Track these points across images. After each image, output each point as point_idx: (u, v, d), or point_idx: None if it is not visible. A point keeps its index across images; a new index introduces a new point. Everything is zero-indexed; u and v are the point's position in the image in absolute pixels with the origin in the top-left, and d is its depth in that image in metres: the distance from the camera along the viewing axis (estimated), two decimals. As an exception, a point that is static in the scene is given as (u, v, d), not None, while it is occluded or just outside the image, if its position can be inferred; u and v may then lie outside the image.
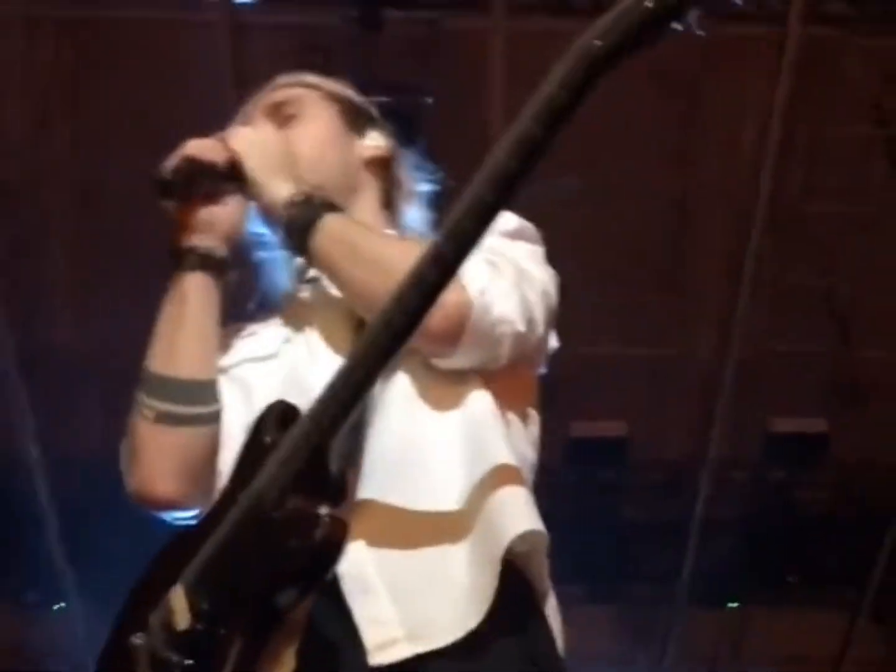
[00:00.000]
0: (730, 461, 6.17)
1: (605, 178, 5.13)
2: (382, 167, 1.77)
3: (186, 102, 5.69)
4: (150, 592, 1.43)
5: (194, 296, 1.57)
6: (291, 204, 1.53)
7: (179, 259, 1.58)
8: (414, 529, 1.37)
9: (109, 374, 6.31)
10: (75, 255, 6.11)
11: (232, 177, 1.58)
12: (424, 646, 1.31)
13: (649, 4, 1.14)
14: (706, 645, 6.64)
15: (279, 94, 1.75)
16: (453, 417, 1.46)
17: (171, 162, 1.56)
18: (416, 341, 1.35)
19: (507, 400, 1.52)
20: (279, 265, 1.73)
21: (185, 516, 1.60)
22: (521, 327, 1.48)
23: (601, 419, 5.74)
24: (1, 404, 6.05)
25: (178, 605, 1.35)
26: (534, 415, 1.61)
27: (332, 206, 1.54)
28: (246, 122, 1.72)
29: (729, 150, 5.10)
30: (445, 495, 1.40)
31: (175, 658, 1.33)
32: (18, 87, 5.76)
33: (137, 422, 1.56)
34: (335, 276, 1.53)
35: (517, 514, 1.36)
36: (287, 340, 1.61)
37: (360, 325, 1.51)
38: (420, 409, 1.47)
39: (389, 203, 1.78)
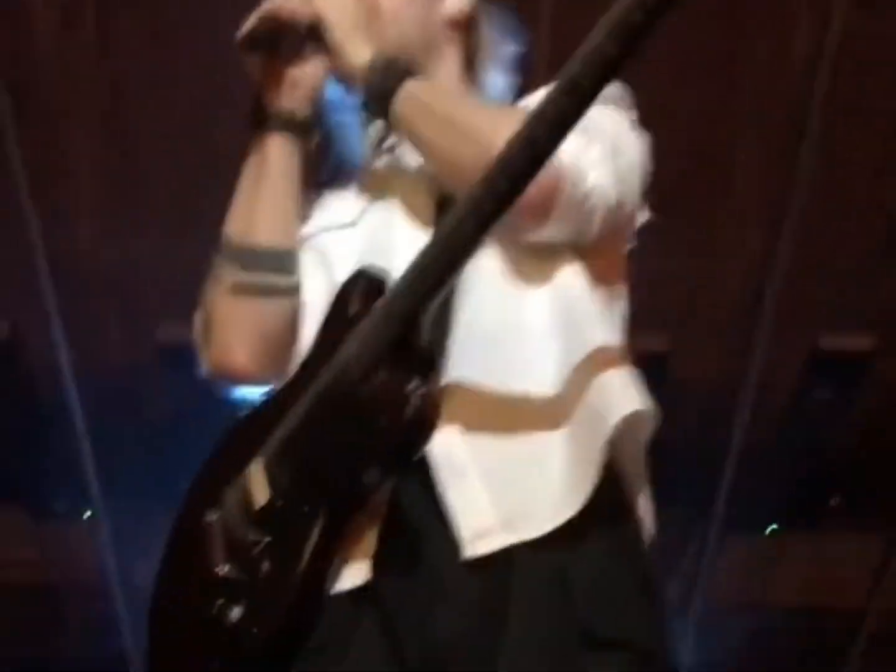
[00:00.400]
0: (770, 382, 6.03)
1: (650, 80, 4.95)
2: (465, 27, 1.70)
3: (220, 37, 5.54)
4: (222, 469, 1.41)
5: (276, 159, 1.53)
6: (372, 68, 1.48)
7: (261, 119, 1.55)
8: (509, 413, 1.32)
9: (130, 287, 6.34)
10: (100, 162, 6.04)
11: (314, 36, 1.54)
12: (519, 536, 1.26)
13: None
14: (741, 571, 6.54)
15: None
16: (546, 295, 1.42)
17: (254, 18, 1.51)
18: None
19: (597, 275, 1.47)
20: (356, 130, 1.68)
21: (260, 390, 1.56)
22: (614, 199, 1.44)
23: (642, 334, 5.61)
24: (32, 309, 6.00)
25: (257, 480, 1.32)
26: (623, 290, 1.56)
27: (415, 70, 1.50)
28: None
29: (780, 45, 4.90)
30: (542, 378, 1.35)
31: (253, 535, 1.30)
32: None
33: (213, 291, 1.53)
34: (419, 145, 1.48)
35: (620, 395, 1.31)
36: (365, 210, 1.56)
37: (440, 196, 1.48)
38: (511, 287, 1.43)
39: (472, 65, 1.72)
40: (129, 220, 5.99)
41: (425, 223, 1.47)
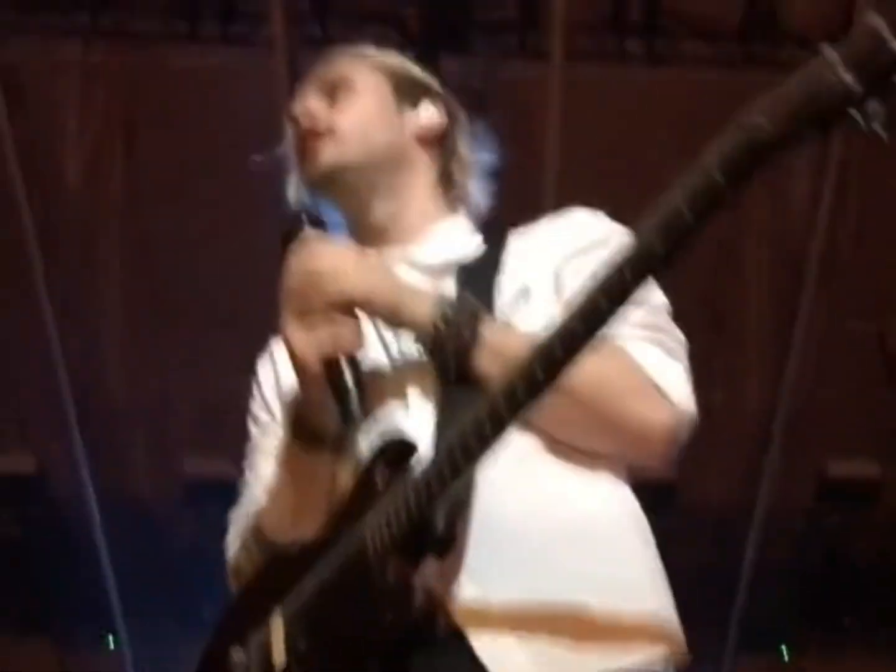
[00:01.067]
0: (781, 507, 6.12)
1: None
2: (437, 140, 1.66)
3: (242, 151, 5.73)
4: (250, 606, 1.42)
5: (318, 474, 1.45)
6: (442, 321, 1.36)
7: (305, 434, 1.44)
8: (550, 621, 1.31)
9: (158, 423, 6.44)
10: (128, 304, 6.20)
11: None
12: None
13: (847, 78, 0.95)
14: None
15: (329, 69, 1.67)
16: (576, 508, 1.40)
17: (314, 357, 1.39)
18: (620, 449, 1.37)
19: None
20: None
21: None
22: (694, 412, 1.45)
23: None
24: (61, 445, 6.12)
25: (276, 638, 1.34)
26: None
27: (482, 320, 1.38)
28: (301, 100, 1.65)
29: (780, 197, 5.10)
30: (572, 589, 1.34)
31: None
32: (74, 135, 5.86)
33: (245, 561, 1.53)
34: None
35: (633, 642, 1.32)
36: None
37: None
38: (542, 494, 1.39)
39: (448, 178, 1.67)
40: (157, 356, 6.22)
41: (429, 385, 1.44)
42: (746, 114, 1.02)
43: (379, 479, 1.34)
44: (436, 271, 1.54)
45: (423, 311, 1.37)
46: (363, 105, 1.63)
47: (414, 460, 1.32)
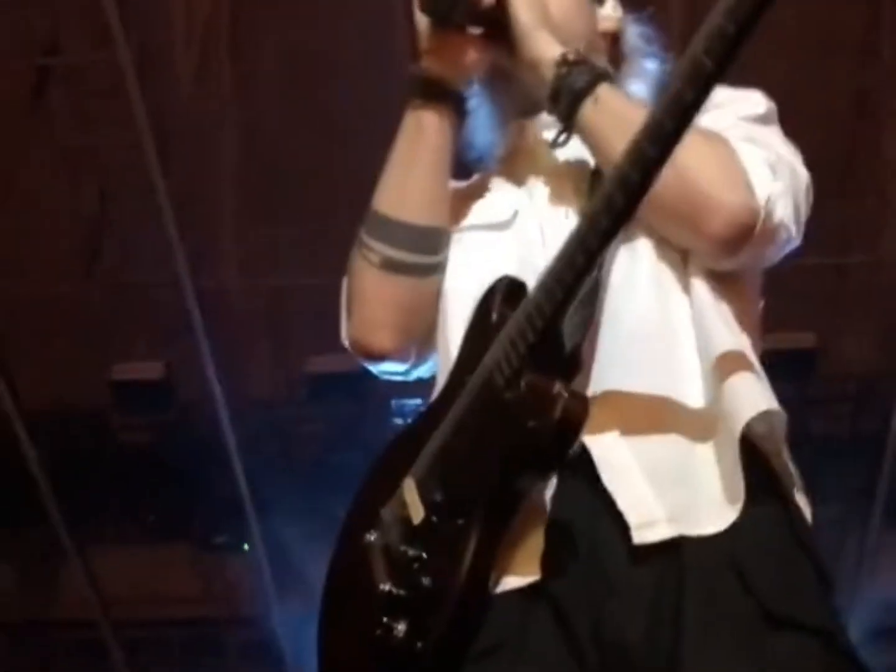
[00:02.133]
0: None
1: (787, 76, 4.96)
2: (612, 40, 1.68)
3: (351, 38, 5.73)
4: (379, 489, 1.42)
5: (433, 131, 1.49)
6: (564, 62, 1.42)
7: (423, 87, 1.50)
8: (660, 417, 1.33)
9: (276, 321, 6.48)
10: (242, 198, 6.21)
11: (495, 18, 1.47)
12: (686, 529, 1.27)
13: None
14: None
15: None
16: (682, 302, 1.42)
17: None
18: (697, 244, 1.37)
19: (737, 288, 1.47)
20: (486, 129, 1.65)
21: (396, 370, 1.57)
22: (795, 232, 1.45)
23: (789, 331, 5.59)
24: (186, 346, 6.16)
25: (411, 498, 1.34)
26: (757, 304, 1.56)
27: (609, 75, 1.45)
28: None
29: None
30: (684, 382, 1.36)
31: (412, 552, 1.32)
32: (181, 34, 5.85)
33: (360, 265, 1.51)
34: (605, 152, 1.41)
35: (749, 397, 1.32)
36: (517, 211, 1.53)
37: (591, 190, 1.46)
38: (657, 294, 1.42)
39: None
40: (274, 257, 6.20)
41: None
42: None
43: (494, 315, 1.36)
44: None
45: (550, 50, 1.43)
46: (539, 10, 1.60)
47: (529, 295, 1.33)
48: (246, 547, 6.66)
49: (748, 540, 1.28)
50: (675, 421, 1.33)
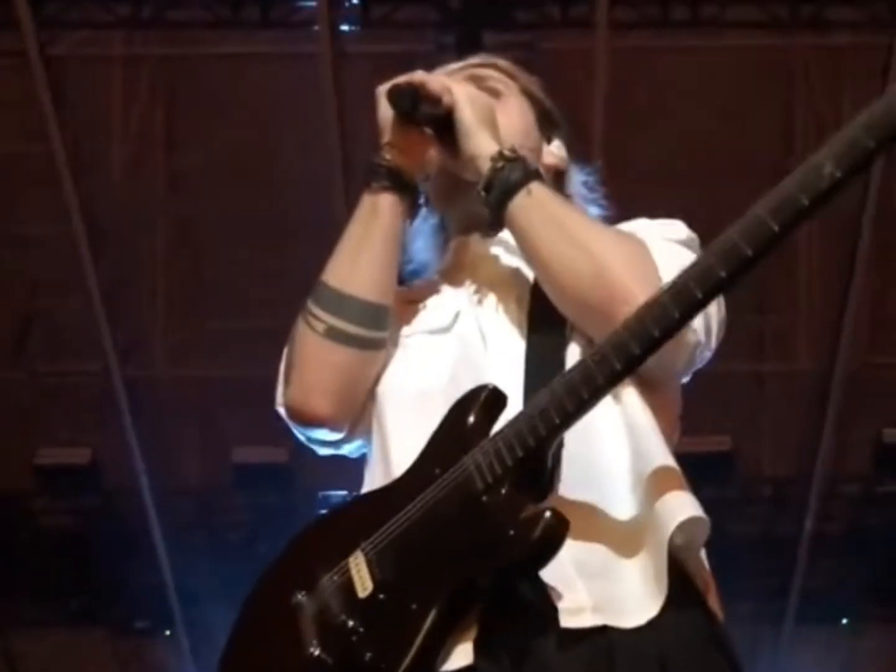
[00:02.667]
0: (839, 475, 6.09)
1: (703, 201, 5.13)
2: (555, 177, 1.71)
3: (284, 136, 5.81)
4: (316, 553, 1.43)
5: (388, 215, 1.54)
6: (501, 157, 1.48)
7: (383, 173, 1.55)
8: (593, 524, 1.37)
9: (205, 411, 6.49)
10: (173, 290, 6.23)
11: (446, 118, 1.54)
12: (610, 620, 1.31)
13: None
14: (817, 664, 6.53)
15: (480, 71, 1.70)
16: (616, 413, 1.45)
17: (405, 77, 1.54)
18: (594, 292, 1.41)
19: (660, 407, 1.51)
20: (428, 240, 1.71)
21: (329, 438, 1.58)
22: (703, 338, 1.48)
23: (706, 434, 5.71)
24: (113, 439, 6.16)
25: (360, 572, 1.35)
26: (677, 422, 1.60)
27: (540, 175, 1.50)
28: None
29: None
30: (621, 497, 1.40)
31: (353, 623, 1.33)
32: (118, 129, 5.90)
33: (304, 332, 1.54)
34: (532, 246, 1.47)
35: (677, 505, 1.37)
36: (458, 313, 1.58)
37: (531, 305, 1.52)
38: (598, 424, 1.43)
39: None
40: (203, 348, 6.23)
41: (516, 336, 1.51)
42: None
43: (471, 418, 1.38)
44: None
45: (489, 146, 1.50)
46: (520, 117, 1.67)
47: (505, 412, 1.37)
48: (168, 633, 6.63)
49: (671, 636, 1.33)
50: (604, 526, 1.38)
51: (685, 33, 5.04)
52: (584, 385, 1.28)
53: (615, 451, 1.43)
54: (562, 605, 1.31)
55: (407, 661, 1.28)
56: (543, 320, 1.50)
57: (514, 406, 1.38)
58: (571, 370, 1.32)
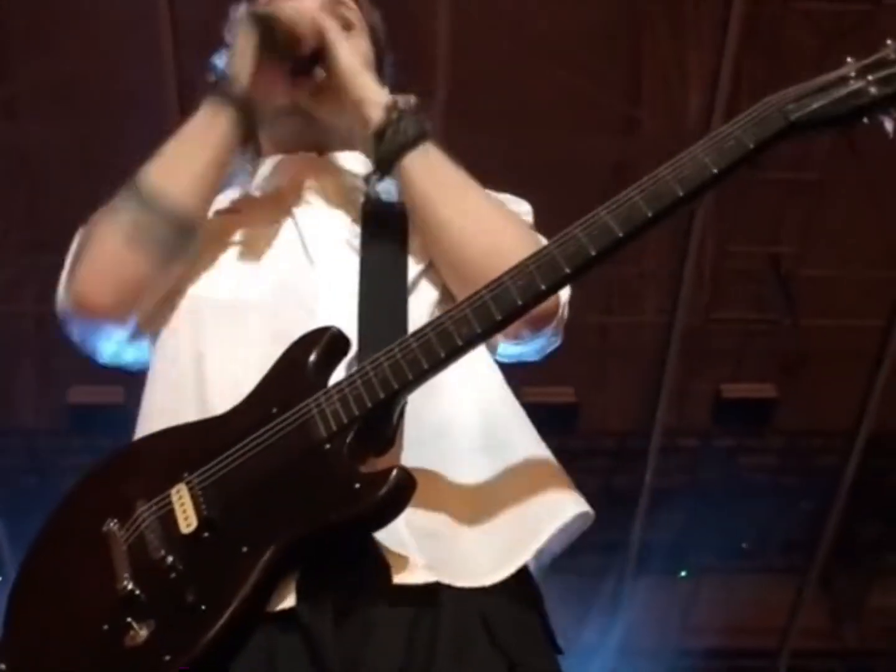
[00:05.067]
0: (678, 428, 6.14)
1: (547, 147, 5.06)
2: None
3: (122, 60, 5.58)
4: (130, 477, 1.34)
5: (224, 133, 1.50)
6: (396, 108, 1.48)
7: (231, 95, 1.50)
8: (431, 484, 1.34)
9: (42, 345, 6.27)
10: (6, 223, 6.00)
11: (311, 58, 1.55)
12: (443, 577, 1.29)
13: (874, 91, 1.22)
14: (657, 615, 6.63)
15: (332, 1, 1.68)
16: (469, 395, 1.44)
17: (270, 9, 1.53)
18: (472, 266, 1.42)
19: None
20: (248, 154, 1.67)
21: (112, 335, 1.49)
22: (566, 312, 1.51)
23: (550, 385, 5.70)
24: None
25: (182, 505, 1.28)
26: None
27: (427, 129, 1.50)
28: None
29: (674, 116, 5.03)
30: (466, 461, 1.39)
31: (171, 559, 1.25)
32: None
33: (106, 224, 1.45)
34: (425, 204, 1.48)
35: (556, 504, 1.37)
36: (279, 230, 1.54)
37: (364, 225, 1.52)
38: (442, 384, 1.40)
39: None
40: (44, 279, 5.95)
41: (347, 261, 1.50)
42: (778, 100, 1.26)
43: (311, 361, 1.34)
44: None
45: (380, 94, 1.51)
46: (366, 53, 1.68)
47: (347, 357, 1.35)
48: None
49: (498, 601, 1.31)
50: (442, 488, 1.35)
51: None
52: (441, 343, 1.27)
53: (459, 410, 1.41)
54: (393, 561, 1.28)
55: (234, 604, 1.21)
56: (378, 250, 1.50)
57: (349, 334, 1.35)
58: (427, 326, 1.29)
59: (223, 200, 1.63)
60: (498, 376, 1.49)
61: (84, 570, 1.30)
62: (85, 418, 6.09)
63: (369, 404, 1.27)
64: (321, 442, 1.27)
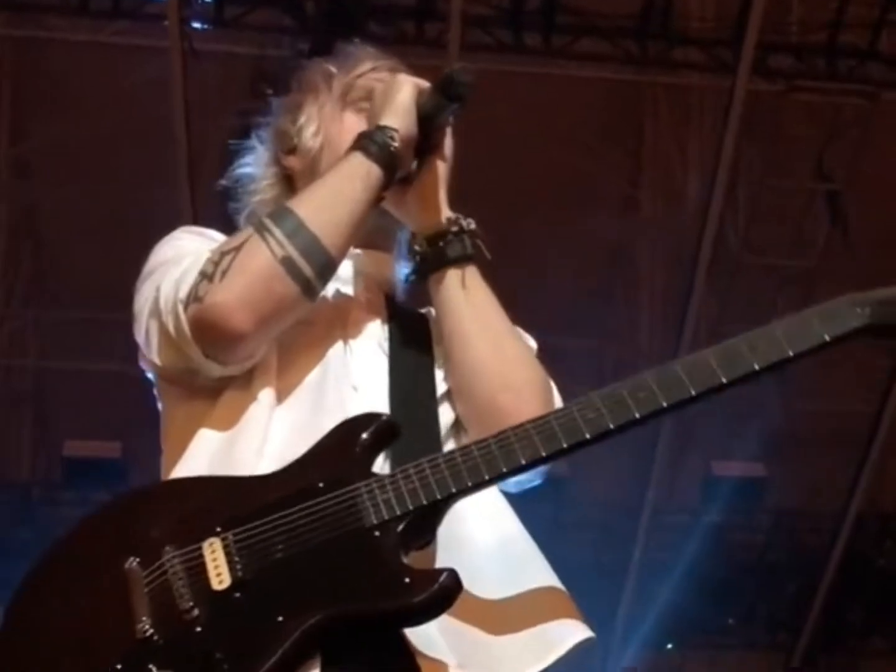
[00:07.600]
0: (668, 505, 6.18)
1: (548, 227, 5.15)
2: None
3: (134, 128, 5.65)
4: (159, 518, 1.32)
5: (374, 189, 1.49)
6: (456, 223, 1.52)
7: (388, 151, 1.50)
8: (466, 602, 1.33)
9: (40, 403, 6.27)
10: (10, 282, 6.04)
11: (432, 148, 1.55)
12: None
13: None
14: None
15: (387, 67, 1.66)
16: (490, 521, 1.47)
17: (469, 77, 1.49)
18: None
19: None
20: None
21: (233, 357, 1.47)
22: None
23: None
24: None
25: (216, 561, 1.27)
26: None
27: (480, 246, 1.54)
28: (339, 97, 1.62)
29: (673, 200, 5.14)
30: (487, 576, 1.41)
31: (198, 612, 1.24)
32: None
33: (259, 245, 1.45)
34: (449, 315, 1.53)
35: (566, 627, 1.38)
36: (333, 320, 1.57)
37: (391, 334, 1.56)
38: (488, 506, 1.47)
39: None
40: (42, 339, 6.01)
41: (378, 362, 1.55)
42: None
43: (359, 445, 1.36)
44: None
45: (445, 205, 1.54)
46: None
47: (393, 445, 1.39)
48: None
49: None
50: (469, 596, 1.35)
51: (539, 61, 5.06)
52: (504, 458, 1.30)
53: (481, 533, 1.44)
54: (424, 662, 1.28)
55: (262, 670, 1.20)
56: (406, 359, 1.55)
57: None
58: (491, 438, 1.32)
59: None
60: (509, 507, 1.50)
61: (98, 603, 1.28)
62: (80, 471, 6.11)
63: (424, 501, 1.29)
64: (370, 529, 1.29)
